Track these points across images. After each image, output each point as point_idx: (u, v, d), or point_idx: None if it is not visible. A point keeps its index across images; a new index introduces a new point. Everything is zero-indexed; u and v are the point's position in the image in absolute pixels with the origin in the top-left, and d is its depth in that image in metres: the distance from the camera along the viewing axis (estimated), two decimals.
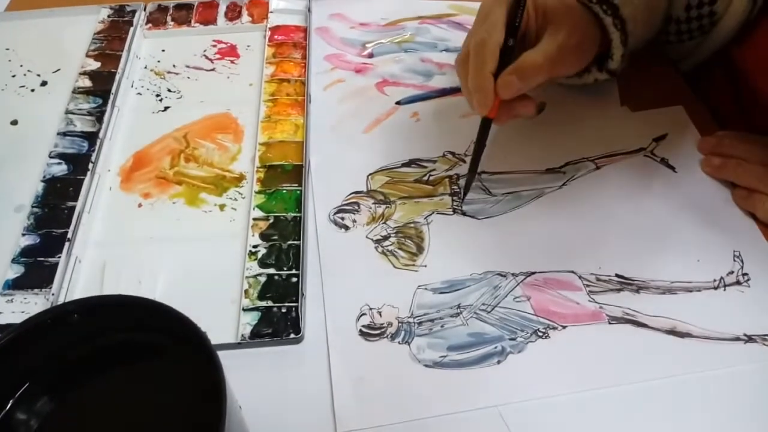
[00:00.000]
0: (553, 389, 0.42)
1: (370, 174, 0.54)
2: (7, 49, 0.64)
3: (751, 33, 0.54)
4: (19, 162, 0.55)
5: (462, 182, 0.53)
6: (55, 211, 0.51)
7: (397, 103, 0.60)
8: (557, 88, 0.57)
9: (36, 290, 0.46)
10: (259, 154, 0.55)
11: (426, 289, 0.47)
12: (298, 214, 0.51)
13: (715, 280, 0.47)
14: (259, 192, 0.52)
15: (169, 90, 0.61)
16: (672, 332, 0.45)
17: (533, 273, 0.48)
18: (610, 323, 0.45)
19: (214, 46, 0.65)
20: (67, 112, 0.57)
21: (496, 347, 0.44)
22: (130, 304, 0.32)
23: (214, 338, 0.30)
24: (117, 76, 0.60)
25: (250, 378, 0.42)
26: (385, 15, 0.67)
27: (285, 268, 0.48)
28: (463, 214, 0.51)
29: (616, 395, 0.42)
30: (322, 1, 0.68)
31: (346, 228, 0.51)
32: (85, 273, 0.49)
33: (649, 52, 0.59)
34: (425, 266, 0.48)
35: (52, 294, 0.46)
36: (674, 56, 0.61)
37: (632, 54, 0.52)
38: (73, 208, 0.51)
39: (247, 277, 0.47)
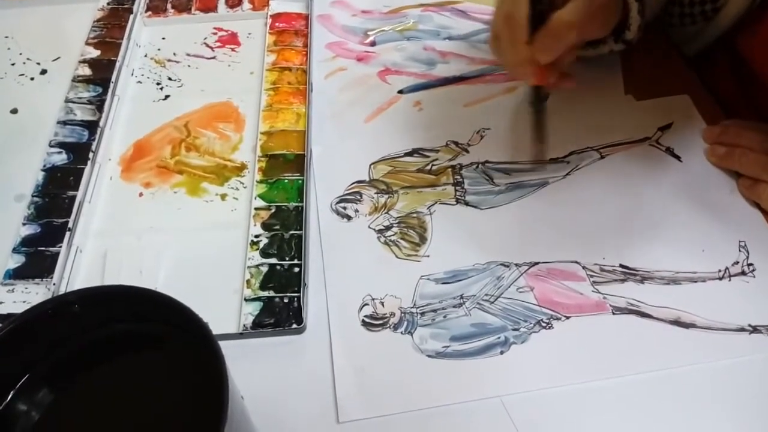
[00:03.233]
0: (555, 380, 0.42)
1: (373, 163, 0.54)
2: (7, 37, 0.64)
3: (757, 21, 0.53)
4: (19, 151, 0.55)
5: (465, 172, 0.53)
6: (55, 200, 0.50)
7: (400, 92, 0.59)
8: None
9: (37, 280, 0.46)
10: (260, 143, 0.54)
11: (429, 279, 0.47)
12: (300, 204, 0.50)
13: (720, 271, 0.47)
14: (260, 181, 0.52)
15: (169, 78, 0.60)
16: (676, 323, 0.45)
17: (536, 263, 0.48)
18: (613, 314, 0.45)
19: (215, 33, 0.64)
20: (67, 100, 0.57)
21: (499, 338, 0.44)
22: (132, 295, 0.32)
23: (216, 328, 0.30)
24: (117, 65, 0.59)
25: (252, 368, 0.42)
26: (387, 2, 0.67)
27: (287, 258, 0.47)
28: (466, 204, 0.51)
29: (620, 386, 0.42)
30: None
31: (349, 218, 0.50)
32: (86, 263, 0.49)
33: (653, 39, 0.59)
34: (428, 256, 0.48)
35: (53, 284, 0.46)
36: (677, 40, 0.60)
37: (645, 27, 0.51)
38: (73, 198, 0.50)
39: (249, 267, 0.47)
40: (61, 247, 0.47)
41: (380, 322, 0.45)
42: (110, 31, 0.62)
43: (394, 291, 0.46)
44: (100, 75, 0.59)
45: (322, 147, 0.55)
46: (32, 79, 0.60)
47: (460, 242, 0.49)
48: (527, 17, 0.46)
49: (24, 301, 0.45)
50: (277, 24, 0.64)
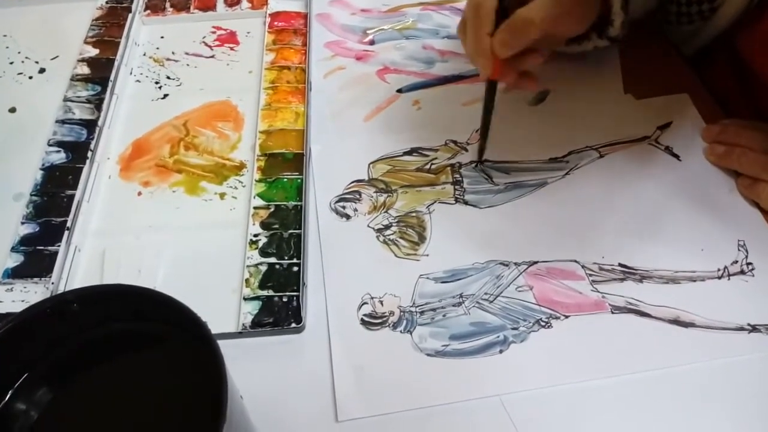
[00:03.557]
0: (555, 379, 0.42)
1: (372, 162, 0.54)
2: (5, 35, 0.64)
3: (756, 20, 0.53)
4: (17, 150, 0.55)
5: (464, 171, 0.53)
6: (54, 199, 0.50)
7: (399, 90, 0.59)
8: (559, 74, 0.57)
9: (36, 279, 0.46)
10: (259, 142, 0.54)
11: (428, 278, 0.47)
12: (299, 203, 0.50)
13: (719, 270, 0.47)
14: (259, 180, 0.52)
15: (168, 77, 0.60)
16: (675, 322, 0.45)
17: (536, 262, 0.48)
18: (612, 313, 0.45)
19: (214, 32, 0.64)
20: (66, 99, 0.57)
21: (498, 337, 0.44)
22: (130, 294, 0.32)
23: (215, 328, 0.30)
24: (116, 63, 0.59)
25: (251, 367, 0.42)
26: (386, 1, 0.67)
27: (286, 257, 0.47)
28: (465, 203, 0.51)
29: (619, 385, 0.42)
30: None
31: (348, 217, 0.50)
32: (85, 262, 0.48)
33: (652, 38, 0.59)
34: (427, 255, 0.48)
35: (52, 283, 0.46)
36: (675, 39, 0.60)
37: (633, 23, 0.51)
38: (72, 197, 0.50)
39: (247, 266, 0.47)
40: (59, 246, 0.47)
41: (379, 321, 0.45)
42: (109, 30, 0.62)
43: (393, 290, 0.46)
44: (99, 74, 0.59)
45: (321, 146, 0.55)
46: (31, 77, 0.60)
47: (459, 241, 0.49)
48: (494, 9, 0.46)
49: (23, 300, 0.45)
50: (275, 23, 0.64)
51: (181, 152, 0.55)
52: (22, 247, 0.48)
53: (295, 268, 0.47)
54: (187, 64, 0.61)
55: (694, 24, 0.56)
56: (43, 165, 0.52)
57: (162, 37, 0.64)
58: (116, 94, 0.58)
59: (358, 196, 0.52)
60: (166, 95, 0.59)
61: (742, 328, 0.44)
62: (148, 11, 0.65)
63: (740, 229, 0.49)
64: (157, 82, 0.60)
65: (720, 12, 0.54)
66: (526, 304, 0.46)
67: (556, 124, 0.55)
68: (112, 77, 0.58)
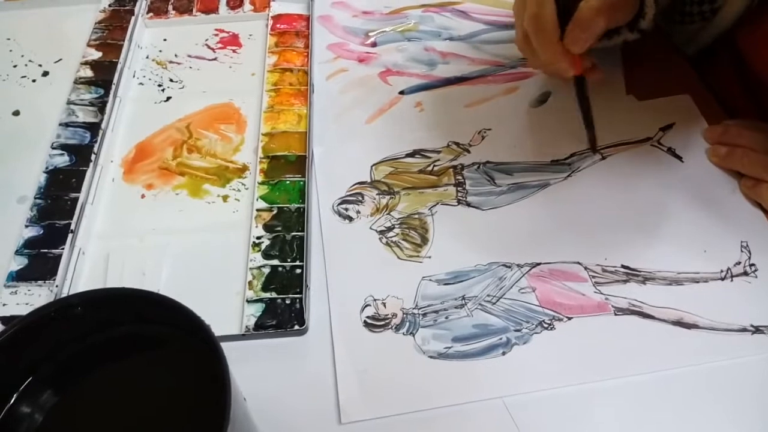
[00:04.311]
0: (558, 381, 0.42)
1: (374, 164, 0.54)
2: (8, 39, 0.64)
3: (757, 20, 0.53)
4: (21, 153, 0.55)
5: (467, 173, 0.53)
6: (58, 202, 0.50)
7: (401, 92, 0.59)
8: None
9: (40, 282, 0.46)
10: (262, 144, 0.54)
11: (430, 280, 0.47)
12: (302, 205, 0.50)
13: (722, 271, 0.47)
14: (262, 183, 0.52)
15: (171, 80, 0.60)
16: (679, 323, 0.44)
17: (538, 264, 0.48)
18: (616, 314, 0.45)
19: (216, 35, 0.64)
20: (69, 102, 0.57)
21: (501, 339, 0.44)
22: (134, 297, 0.32)
23: (218, 330, 0.30)
24: (119, 66, 0.59)
25: (254, 370, 0.42)
26: (388, 3, 0.67)
27: (289, 260, 0.47)
28: (468, 205, 0.51)
29: (622, 387, 0.42)
30: None
31: (350, 219, 0.51)
32: (89, 264, 0.49)
33: (654, 39, 0.59)
34: (429, 257, 0.48)
35: (56, 286, 0.46)
36: (677, 40, 0.60)
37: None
38: (76, 200, 0.50)
39: (250, 268, 0.47)
40: (63, 249, 0.48)
41: (382, 323, 0.45)
42: (112, 33, 0.62)
43: (395, 292, 0.46)
44: (102, 77, 0.59)
45: (324, 148, 0.55)
46: (34, 81, 0.61)
47: (462, 243, 0.49)
48: (555, 14, 0.47)
49: (27, 303, 0.46)
50: (278, 25, 0.64)
51: (184, 155, 0.55)
52: (26, 250, 0.48)
53: (298, 271, 0.47)
54: (190, 67, 0.62)
55: (695, 24, 0.56)
56: (46, 168, 0.53)
57: (165, 40, 0.64)
58: (119, 97, 0.58)
59: (360, 198, 0.52)
60: (169, 98, 0.59)
61: (745, 330, 0.44)
62: (151, 14, 0.65)
63: (743, 231, 0.49)
64: (160, 85, 0.60)
65: (721, 13, 0.54)
66: (528, 306, 0.46)
67: (559, 125, 0.55)
68: (115, 80, 0.58)
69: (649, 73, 0.58)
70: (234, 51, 0.63)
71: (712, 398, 0.41)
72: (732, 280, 0.46)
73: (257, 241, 0.48)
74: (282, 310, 0.45)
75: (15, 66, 0.62)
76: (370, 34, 0.64)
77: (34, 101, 0.59)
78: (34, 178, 0.52)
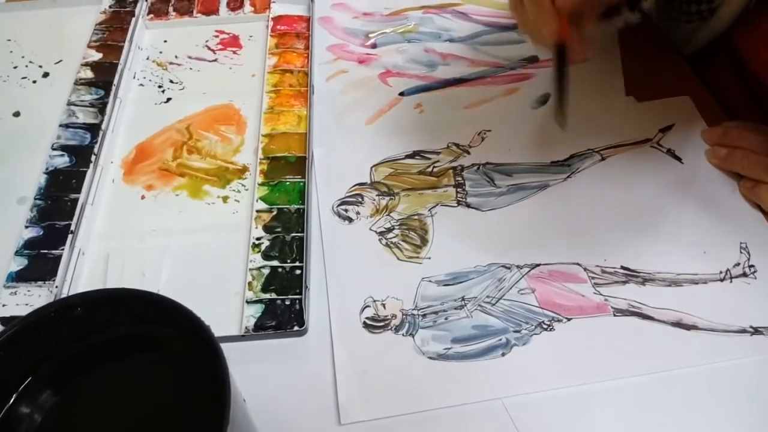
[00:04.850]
0: (557, 382, 0.42)
1: (374, 165, 0.54)
2: (9, 40, 0.64)
3: (754, 21, 0.53)
4: (21, 154, 0.55)
5: (466, 174, 0.53)
6: (58, 203, 0.50)
7: (401, 94, 0.59)
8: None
9: (39, 283, 0.46)
10: (262, 145, 0.54)
11: (430, 281, 0.47)
12: (302, 206, 0.50)
13: (721, 272, 0.47)
14: (262, 184, 0.52)
15: (171, 81, 0.61)
16: (678, 324, 0.45)
17: (538, 265, 0.48)
18: (615, 315, 0.45)
19: (217, 36, 0.64)
20: (69, 103, 0.57)
21: (500, 340, 0.44)
22: (134, 298, 0.32)
23: (218, 331, 0.30)
24: (119, 67, 0.59)
25: (254, 370, 0.42)
26: (388, 4, 0.67)
27: (289, 261, 0.47)
28: (467, 206, 0.51)
29: (622, 388, 0.42)
30: None
31: (350, 220, 0.51)
32: (89, 265, 0.49)
33: (654, 40, 0.59)
34: (429, 258, 0.48)
35: (56, 286, 0.46)
36: (676, 40, 0.60)
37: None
38: (76, 200, 0.50)
39: (250, 269, 0.47)
40: (63, 249, 0.48)
41: (382, 324, 0.45)
42: (112, 34, 0.63)
43: (395, 293, 0.46)
44: (102, 78, 0.59)
45: (324, 149, 0.55)
46: (34, 82, 0.61)
47: (462, 244, 0.49)
48: None
49: (27, 304, 0.46)
50: (278, 26, 0.64)
51: (184, 156, 0.55)
52: (26, 251, 0.48)
53: (298, 271, 0.47)
54: (190, 68, 0.62)
55: (692, 23, 0.56)
56: (46, 169, 0.53)
57: (165, 41, 0.64)
58: (120, 98, 0.58)
59: (360, 199, 0.52)
60: (169, 99, 0.59)
61: (744, 331, 0.44)
62: (152, 15, 0.65)
63: (742, 232, 0.49)
64: (160, 86, 0.60)
65: (718, 12, 0.54)
66: (528, 307, 0.46)
67: (558, 127, 0.55)
68: (115, 81, 0.58)
69: (649, 75, 0.58)
70: (234, 52, 0.63)
71: (711, 399, 0.41)
72: (731, 282, 0.46)
73: (257, 242, 0.48)
74: (282, 310, 0.45)
75: (15, 67, 0.62)
76: (370, 35, 0.64)
77: (34, 102, 0.59)
78: (35, 179, 0.52)
